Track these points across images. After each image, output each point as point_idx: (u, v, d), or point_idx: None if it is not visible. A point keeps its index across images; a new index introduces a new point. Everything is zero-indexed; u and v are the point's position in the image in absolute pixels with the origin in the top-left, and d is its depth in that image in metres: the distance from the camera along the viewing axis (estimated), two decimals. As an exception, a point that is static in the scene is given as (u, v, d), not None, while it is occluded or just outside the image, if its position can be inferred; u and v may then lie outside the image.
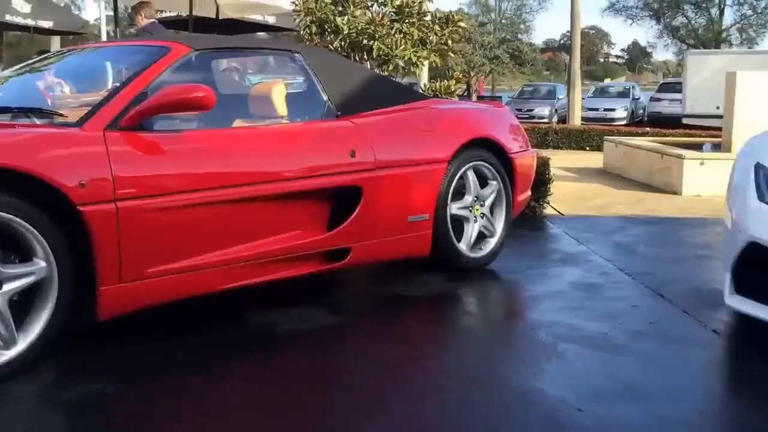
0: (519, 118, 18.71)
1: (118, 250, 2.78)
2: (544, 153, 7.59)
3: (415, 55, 6.40)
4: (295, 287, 3.74)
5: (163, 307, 3.10)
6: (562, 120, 21.30)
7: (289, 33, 12.57)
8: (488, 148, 4.28)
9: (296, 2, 6.55)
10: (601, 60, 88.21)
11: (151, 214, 2.87)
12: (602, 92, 25.82)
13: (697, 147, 8.99)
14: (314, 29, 6.54)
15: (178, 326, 3.27)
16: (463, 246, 4.15)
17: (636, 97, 25.14)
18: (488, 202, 4.29)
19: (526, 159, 4.62)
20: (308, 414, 2.48)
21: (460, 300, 3.91)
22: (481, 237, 4.30)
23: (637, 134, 12.21)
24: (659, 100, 22.87)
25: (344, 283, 4.11)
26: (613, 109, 23.02)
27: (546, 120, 21.80)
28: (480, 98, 29.40)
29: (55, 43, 14.15)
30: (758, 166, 3.24)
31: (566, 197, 7.05)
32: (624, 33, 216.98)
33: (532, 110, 23.01)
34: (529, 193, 4.80)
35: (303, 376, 2.80)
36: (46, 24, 11.10)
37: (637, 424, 2.40)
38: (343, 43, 6.40)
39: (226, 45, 3.89)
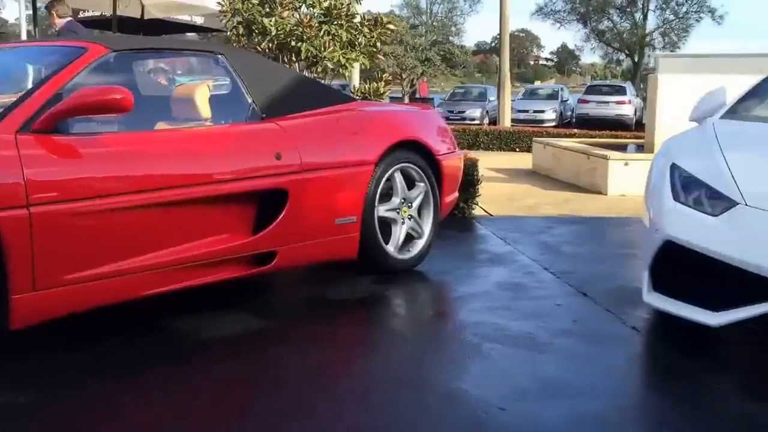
0: (450, 119, 18.73)
1: (31, 258, 2.69)
2: (475, 154, 7.69)
3: (343, 57, 6.38)
4: (220, 292, 3.68)
5: (82, 315, 3.01)
6: (493, 122, 21.60)
7: (219, 34, 12.42)
8: (415, 150, 4.29)
9: (222, 3, 6.46)
10: (532, 63, 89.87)
11: (66, 219, 2.78)
12: (532, 94, 26.33)
13: (622, 148, 9.22)
14: (241, 30, 6.46)
15: (96, 334, 3.18)
16: (390, 248, 4.16)
17: (564, 99, 25.74)
18: (416, 204, 4.31)
19: (453, 161, 4.66)
20: (232, 419, 2.43)
21: (388, 302, 3.91)
22: (409, 239, 4.31)
23: (565, 135, 12.48)
24: (587, 102, 23.48)
25: (271, 286, 4.07)
26: (542, 111, 23.53)
27: (477, 122, 22.10)
28: (415, 100, 29.57)
29: (-26, 42, 13.64)
30: (674, 167, 3.33)
31: (496, 198, 7.15)
32: (553, 36, 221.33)
33: (463, 112, 23.30)
34: (456, 194, 4.84)
35: (227, 381, 2.75)
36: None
37: (557, 421, 2.44)
38: (271, 44, 6.34)
39: (146, 46, 3.80)
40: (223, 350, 3.07)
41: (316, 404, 2.55)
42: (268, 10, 6.34)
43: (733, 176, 3.12)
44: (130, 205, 2.98)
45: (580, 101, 23.89)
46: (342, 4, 6.46)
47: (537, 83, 52.36)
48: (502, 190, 7.87)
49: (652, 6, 38.33)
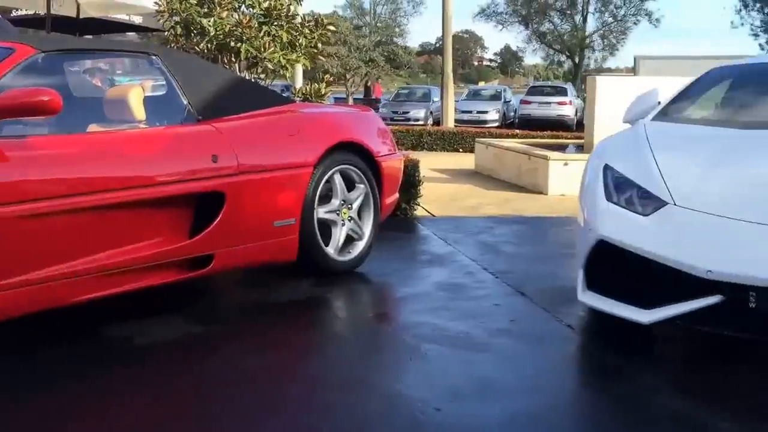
0: (394, 120, 18.71)
1: (-46, 265, 2.60)
2: (419, 155, 7.72)
3: (284, 58, 6.34)
4: (156, 297, 3.61)
5: (11, 322, 2.92)
6: (437, 122, 21.72)
7: (159, 34, 12.21)
8: (355, 151, 4.29)
9: (159, 2, 6.35)
10: (475, 63, 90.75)
11: (-8, 225, 2.70)
12: (475, 95, 26.54)
13: (563, 148, 9.37)
14: (179, 30, 6.37)
15: (28, 342, 3.10)
16: (331, 250, 4.14)
17: (507, 100, 26.02)
18: (356, 206, 4.30)
19: (393, 162, 4.67)
20: (166, 429, 2.39)
21: (328, 304, 3.89)
22: (350, 240, 4.30)
23: (508, 136, 12.62)
24: (529, 102, 23.78)
25: (211, 290, 4.02)
26: (485, 112, 23.74)
27: (421, 122, 22.17)
28: (361, 101, 29.54)
29: None
30: (607, 168, 3.40)
31: (439, 198, 7.19)
32: (497, 37, 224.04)
33: (407, 113, 23.35)
34: (397, 195, 4.85)
35: (163, 388, 2.70)
36: None
37: (491, 421, 2.46)
38: (210, 45, 6.26)
39: (77, 46, 3.72)
40: (162, 356, 3.02)
41: (256, 411, 2.52)
42: (206, 10, 6.26)
43: (662, 177, 3.19)
44: (60, 209, 2.90)
45: (523, 102, 24.19)
46: (282, 5, 6.42)
47: (481, 84, 52.93)
48: (445, 191, 7.91)
49: (591, 9, 39.06)
